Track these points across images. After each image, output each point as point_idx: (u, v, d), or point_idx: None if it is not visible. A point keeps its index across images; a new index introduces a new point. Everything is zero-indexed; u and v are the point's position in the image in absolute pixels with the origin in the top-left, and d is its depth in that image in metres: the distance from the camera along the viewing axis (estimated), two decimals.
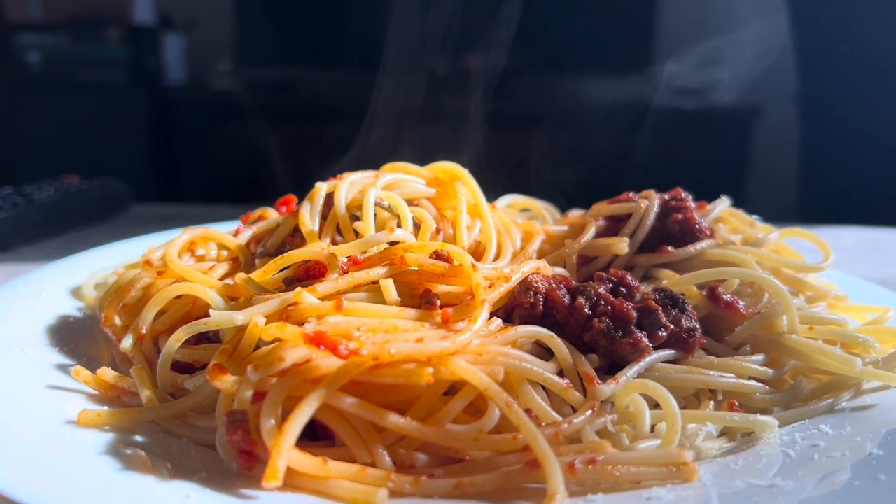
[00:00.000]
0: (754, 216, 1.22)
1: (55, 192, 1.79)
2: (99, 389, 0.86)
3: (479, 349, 0.77)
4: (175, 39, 5.66)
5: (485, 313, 0.80)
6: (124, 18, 5.41)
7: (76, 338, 1.02)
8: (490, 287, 0.87)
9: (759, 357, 0.92)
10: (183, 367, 0.91)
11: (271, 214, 1.20)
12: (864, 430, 0.80)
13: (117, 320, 1.00)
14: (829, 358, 0.89)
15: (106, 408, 0.82)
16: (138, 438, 0.77)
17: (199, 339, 0.94)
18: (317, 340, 0.71)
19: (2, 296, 1.08)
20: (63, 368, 0.91)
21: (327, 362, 0.72)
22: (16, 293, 1.10)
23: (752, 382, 0.88)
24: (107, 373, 0.87)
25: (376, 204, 1.04)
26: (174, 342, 0.86)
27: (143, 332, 0.94)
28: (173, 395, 0.87)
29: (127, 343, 0.93)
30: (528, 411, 0.77)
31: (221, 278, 1.01)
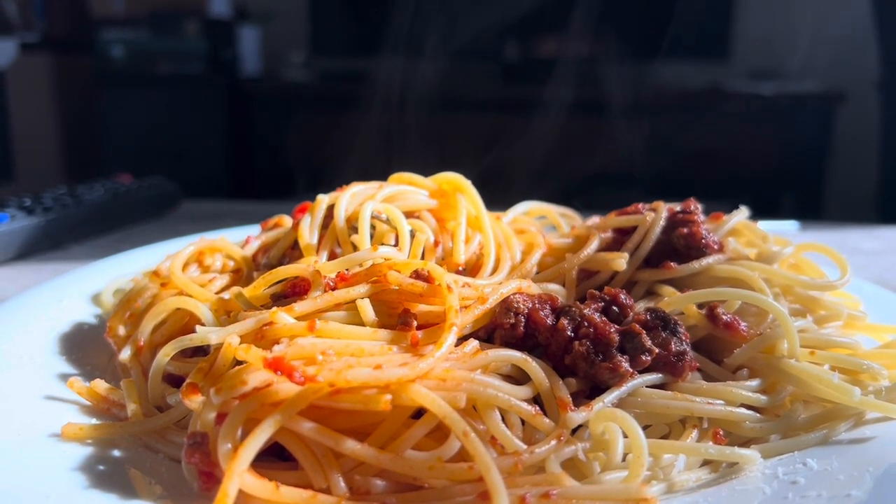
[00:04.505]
0: (783, 224, 1.16)
1: (105, 193, 1.87)
2: (92, 401, 0.90)
3: (443, 374, 0.76)
4: (250, 31, 5.79)
5: (451, 338, 0.79)
6: (202, 12, 5.58)
7: (87, 346, 1.06)
8: (465, 309, 0.86)
9: (754, 383, 0.88)
10: (181, 380, 0.93)
11: (287, 222, 1.22)
12: (850, 467, 0.76)
13: (121, 330, 1.03)
14: (826, 385, 0.85)
15: (94, 421, 0.85)
16: (116, 454, 0.80)
17: (196, 352, 0.96)
18: (274, 365, 0.72)
19: (24, 301, 1.13)
20: (65, 378, 0.94)
21: (286, 387, 0.72)
22: (39, 298, 1.15)
23: (742, 410, 0.84)
24: (99, 385, 0.90)
25: (374, 217, 1.04)
26: (163, 356, 0.89)
27: (141, 343, 0.97)
28: (162, 408, 0.89)
29: (125, 355, 0.96)
30: (493, 439, 0.77)
31: (220, 291, 1.03)
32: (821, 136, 4.80)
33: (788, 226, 1.76)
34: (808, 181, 4.82)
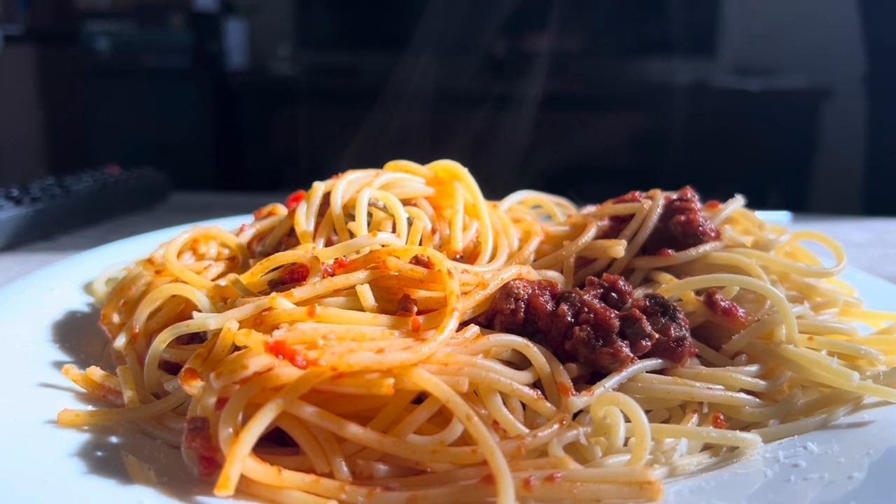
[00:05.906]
0: (775, 215, 1.17)
1: (93, 184, 1.85)
2: (87, 388, 0.89)
3: (445, 359, 0.76)
4: (236, 24, 5.75)
5: (452, 323, 0.79)
6: (187, 4, 5.53)
7: (81, 334, 1.05)
8: (466, 294, 0.86)
9: (753, 368, 0.88)
10: (176, 367, 0.92)
11: (281, 211, 1.21)
12: (851, 450, 0.76)
13: (116, 318, 1.02)
14: (824, 370, 0.85)
15: (89, 407, 0.84)
16: (114, 440, 0.79)
17: (192, 339, 0.96)
18: (276, 349, 0.71)
19: (15, 289, 1.11)
20: (59, 365, 0.93)
21: (288, 371, 0.72)
22: (31, 287, 1.14)
23: (741, 395, 0.85)
24: (95, 372, 0.89)
25: (371, 204, 1.04)
26: (160, 343, 0.88)
27: (137, 330, 0.96)
28: (158, 395, 0.88)
29: (120, 342, 0.95)
30: (496, 423, 0.76)
31: (216, 278, 1.02)
32: (807, 132, 4.83)
33: (781, 216, 1.77)
34: (794, 176, 4.85)
